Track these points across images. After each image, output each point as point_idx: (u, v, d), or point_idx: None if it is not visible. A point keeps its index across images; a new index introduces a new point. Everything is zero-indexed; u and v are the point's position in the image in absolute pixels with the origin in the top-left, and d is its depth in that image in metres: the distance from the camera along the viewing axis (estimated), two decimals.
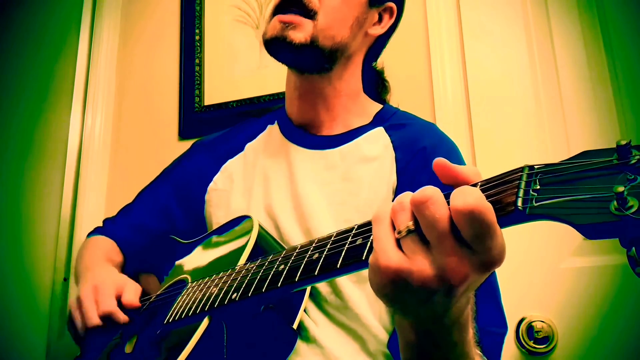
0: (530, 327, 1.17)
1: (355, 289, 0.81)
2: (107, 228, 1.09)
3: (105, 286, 0.85)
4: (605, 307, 1.14)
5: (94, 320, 0.81)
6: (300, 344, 0.77)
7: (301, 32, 0.87)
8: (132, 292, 0.85)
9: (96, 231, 1.10)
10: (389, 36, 1.03)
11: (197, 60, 1.67)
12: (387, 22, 0.99)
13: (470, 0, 1.43)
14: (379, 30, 0.98)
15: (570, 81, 1.30)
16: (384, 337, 0.80)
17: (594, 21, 1.32)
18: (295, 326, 0.74)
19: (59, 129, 1.75)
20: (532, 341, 1.16)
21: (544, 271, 1.19)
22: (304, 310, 0.78)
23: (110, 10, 1.81)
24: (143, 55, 1.78)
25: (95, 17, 1.81)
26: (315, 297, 0.81)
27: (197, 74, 1.66)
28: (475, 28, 1.41)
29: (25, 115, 1.84)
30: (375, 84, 1.08)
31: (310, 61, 0.91)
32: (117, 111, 1.75)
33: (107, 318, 0.82)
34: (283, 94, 1.52)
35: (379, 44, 1.03)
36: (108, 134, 1.72)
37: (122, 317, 0.82)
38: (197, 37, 1.69)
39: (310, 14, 0.88)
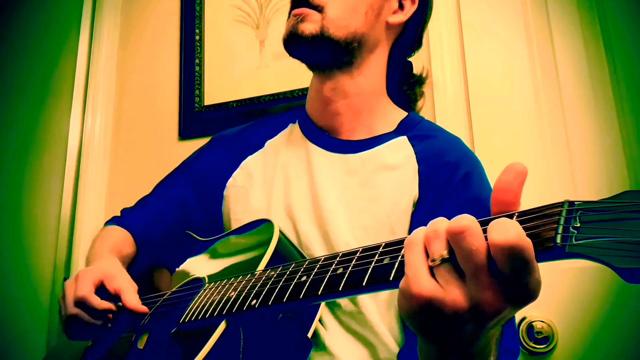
0: (530, 327, 1.17)
1: (368, 298, 0.81)
2: (124, 217, 1.08)
3: (86, 274, 0.84)
4: (605, 307, 1.14)
5: (70, 308, 0.81)
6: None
7: (310, 23, 0.87)
8: (130, 293, 0.82)
9: (113, 220, 1.09)
10: (417, 26, 0.99)
11: (197, 60, 1.67)
12: (410, 8, 0.95)
13: (470, 0, 1.43)
14: (400, 17, 0.95)
15: (570, 81, 1.30)
16: (394, 346, 0.80)
17: (594, 21, 1.32)
18: (310, 334, 0.74)
19: (59, 129, 1.76)
20: (532, 341, 1.16)
21: (544, 271, 1.18)
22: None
23: (110, 10, 1.81)
24: (143, 55, 1.78)
25: (95, 17, 1.81)
26: (329, 302, 0.81)
27: (197, 74, 1.66)
28: (475, 28, 1.41)
29: (25, 115, 1.84)
30: (403, 87, 1.05)
31: (326, 55, 0.90)
32: (117, 111, 1.75)
33: (81, 303, 0.81)
34: (283, 94, 1.53)
35: (406, 36, 0.99)
36: (108, 134, 1.72)
37: (97, 302, 0.81)
38: (197, 37, 1.69)
39: (317, 9, 0.88)
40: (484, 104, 1.35)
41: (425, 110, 1.36)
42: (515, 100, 1.33)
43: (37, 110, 1.82)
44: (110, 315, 0.83)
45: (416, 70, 1.08)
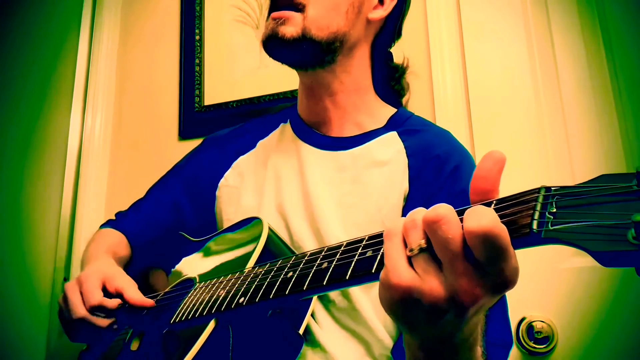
0: (530, 327, 1.17)
1: (361, 294, 0.81)
2: (118, 221, 1.09)
3: (89, 278, 0.84)
4: (605, 307, 1.14)
5: (80, 312, 0.81)
6: (304, 348, 0.77)
7: (291, 25, 0.86)
8: (132, 290, 0.83)
9: (108, 224, 1.10)
10: (396, 19, 0.99)
11: (197, 60, 1.67)
12: (389, 3, 0.95)
13: (470, 0, 1.43)
14: (381, 13, 0.94)
15: (570, 81, 1.30)
16: (389, 342, 0.80)
17: (594, 21, 1.32)
18: (301, 331, 0.74)
19: (59, 129, 1.76)
20: (532, 341, 1.16)
21: (544, 271, 1.19)
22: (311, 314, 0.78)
23: (110, 10, 1.81)
24: (143, 55, 1.78)
25: (95, 17, 1.81)
26: (323, 298, 0.81)
27: (197, 74, 1.66)
28: (475, 28, 1.41)
29: (25, 115, 1.84)
30: (391, 83, 1.05)
31: (308, 55, 0.89)
32: (117, 111, 1.75)
33: (96, 309, 0.82)
34: (283, 94, 1.53)
35: (387, 30, 0.98)
36: (108, 134, 1.72)
37: (111, 304, 0.81)
38: (197, 37, 1.69)
39: (298, 8, 0.87)
40: (484, 104, 1.35)
41: (425, 110, 1.36)
42: (515, 100, 1.33)
43: (37, 110, 1.83)
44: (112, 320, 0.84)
45: (398, 60, 1.08)
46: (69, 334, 0.86)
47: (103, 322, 0.82)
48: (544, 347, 1.15)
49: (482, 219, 0.39)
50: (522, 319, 1.18)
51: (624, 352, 1.11)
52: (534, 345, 1.16)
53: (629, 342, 1.11)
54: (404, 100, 1.07)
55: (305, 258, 0.59)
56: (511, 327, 0.78)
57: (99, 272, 0.86)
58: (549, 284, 1.19)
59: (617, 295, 1.14)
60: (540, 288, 1.19)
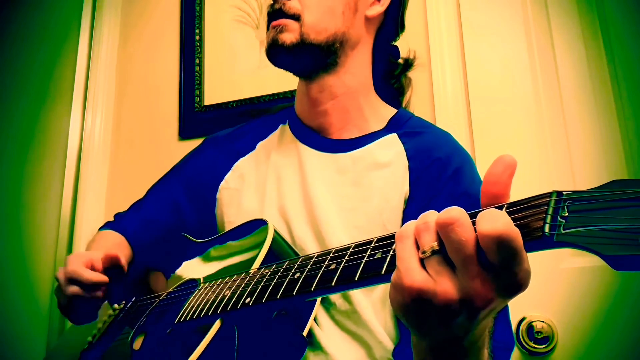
0: (530, 327, 1.17)
1: (362, 296, 0.81)
2: (118, 222, 1.09)
3: (74, 256, 0.89)
4: (605, 307, 1.14)
5: (65, 288, 0.85)
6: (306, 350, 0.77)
7: (290, 32, 0.88)
8: (109, 251, 0.88)
9: (107, 225, 1.10)
10: (396, 12, 0.99)
11: (197, 60, 1.67)
12: None
13: (470, 0, 1.43)
14: (378, 9, 0.94)
15: (570, 81, 1.30)
16: (390, 344, 0.80)
17: (594, 21, 1.32)
18: (305, 333, 0.74)
19: (59, 129, 1.76)
20: (532, 341, 1.16)
21: (544, 271, 1.19)
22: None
23: (110, 10, 1.81)
24: (143, 55, 1.78)
25: (95, 17, 1.81)
26: (324, 301, 0.81)
27: (197, 74, 1.66)
28: (475, 28, 1.41)
29: (25, 115, 1.84)
30: (391, 81, 1.05)
31: (309, 60, 0.90)
32: (117, 111, 1.75)
33: (74, 280, 0.85)
34: (283, 94, 1.53)
35: (387, 24, 0.99)
36: (108, 134, 1.72)
37: (87, 274, 0.84)
38: (197, 37, 1.69)
39: (294, 17, 0.88)
40: (484, 104, 1.35)
41: (425, 110, 1.36)
42: (515, 100, 1.33)
43: (37, 110, 1.83)
44: (104, 288, 0.87)
45: (404, 54, 1.07)
46: (69, 317, 0.89)
47: (97, 293, 0.85)
48: (544, 347, 1.15)
49: (496, 222, 0.40)
50: (522, 319, 1.18)
51: (624, 352, 1.11)
52: (534, 345, 1.16)
53: (629, 342, 1.11)
54: (405, 98, 1.07)
55: (313, 259, 0.58)
56: (512, 330, 0.78)
57: (87, 254, 0.90)
58: (549, 284, 1.19)
59: (617, 295, 1.14)
60: (540, 288, 1.19)
